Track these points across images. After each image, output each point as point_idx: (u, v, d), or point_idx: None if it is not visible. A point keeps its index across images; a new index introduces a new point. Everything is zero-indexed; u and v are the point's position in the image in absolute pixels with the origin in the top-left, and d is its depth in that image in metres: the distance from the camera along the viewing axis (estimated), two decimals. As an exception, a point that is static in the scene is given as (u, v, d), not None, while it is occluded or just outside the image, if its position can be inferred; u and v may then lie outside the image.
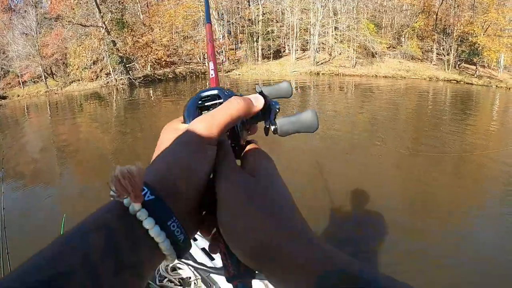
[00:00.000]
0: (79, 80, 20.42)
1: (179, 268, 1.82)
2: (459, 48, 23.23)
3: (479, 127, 10.70)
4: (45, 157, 8.06)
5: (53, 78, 21.72)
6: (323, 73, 23.56)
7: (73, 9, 20.10)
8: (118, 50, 20.27)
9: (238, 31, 27.24)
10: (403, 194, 5.89)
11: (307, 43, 26.36)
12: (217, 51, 25.00)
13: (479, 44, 21.68)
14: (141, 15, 23.73)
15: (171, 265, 1.80)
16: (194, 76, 22.63)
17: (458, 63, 23.58)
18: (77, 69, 20.36)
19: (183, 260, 1.08)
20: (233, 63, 25.27)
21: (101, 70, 20.55)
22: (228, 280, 0.35)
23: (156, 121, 11.50)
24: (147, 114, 12.56)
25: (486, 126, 10.93)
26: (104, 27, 19.77)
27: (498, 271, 3.70)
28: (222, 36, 25.44)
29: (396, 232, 4.41)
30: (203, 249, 1.63)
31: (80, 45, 20.27)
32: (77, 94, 17.67)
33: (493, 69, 23.42)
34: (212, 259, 1.59)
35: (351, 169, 6.76)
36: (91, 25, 20.00)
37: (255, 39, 25.76)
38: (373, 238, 4.43)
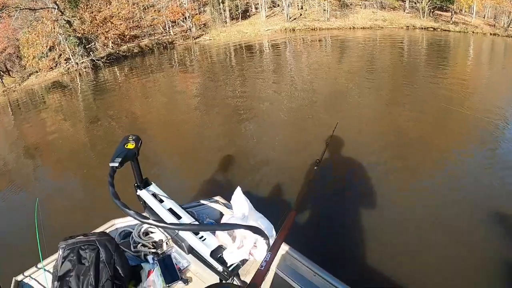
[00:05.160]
0: (37, 71, 19.66)
1: (151, 232, 1.96)
2: (432, -5, 23.55)
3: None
4: (16, 161, 7.97)
5: (9, 75, 20.93)
6: (298, 29, 23.30)
7: (20, -7, 19.07)
8: (75, 31, 19.43)
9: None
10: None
11: (275, -2, 25.95)
12: (183, 17, 24.39)
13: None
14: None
15: (142, 230, 1.95)
16: (162, 47, 22.08)
17: (432, 10, 23.89)
18: (33, 60, 19.49)
19: (155, 223, 1.21)
20: (199, 28, 24.60)
21: (59, 56, 19.79)
22: None
23: (127, 102, 11.39)
24: (117, 96, 12.37)
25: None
26: (56, 7, 18.92)
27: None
28: (188, 0, 24.70)
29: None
30: (170, 210, 1.76)
31: (32, 33, 19.43)
32: (37, 87, 17.16)
33: (464, 15, 24.05)
34: (179, 217, 1.73)
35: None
36: (41, 8, 19.09)
37: (220, 0, 25.08)
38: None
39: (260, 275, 1.19)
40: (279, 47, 18.76)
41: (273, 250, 1.30)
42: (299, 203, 1.62)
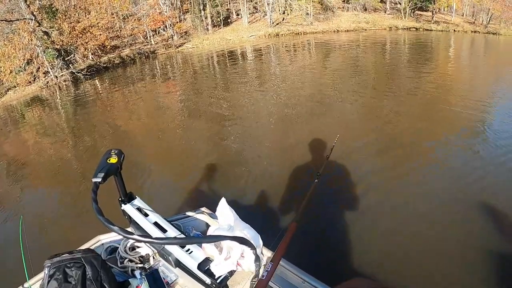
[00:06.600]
0: (15, 86, 19.33)
1: (138, 247, 1.97)
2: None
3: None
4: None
5: (-13, 92, 20.53)
6: (282, 34, 23.58)
7: (-5, 4, 18.76)
8: (54, 42, 19.15)
9: (179, 1, 26.46)
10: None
11: (256, 3, 26.22)
12: (164, 26, 24.41)
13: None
14: (72, -2, 22.45)
15: (129, 245, 1.97)
16: (144, 57, 22.03)
17: (413, 10, 24.70)
18: (10, 74, 19.19)
19: (139, 239, 1.23)
20: (181, 36, 24.68)
21: (38, 70, 19.49)
22: None
23: (109, 115, 11.30)
24: (99, 109, 12.27)
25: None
26: (33, 18, 18.67)
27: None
28: (168, 8, 24.76)
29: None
30: (155, 223, 1.78)
31: (8, 45, 19.09)
32: (16, 103, 16.87)
33: (444, 14, 25.00)
34: (164, 231, 1.76)
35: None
36: (17, 19, 18.79)
37: (201, 7, 25.21)
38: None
39: (261, 285, 1.23)
40: (264, 54, 18.91)
41: (274, 260, 1.35)
42: (300, 215, 1.69)
